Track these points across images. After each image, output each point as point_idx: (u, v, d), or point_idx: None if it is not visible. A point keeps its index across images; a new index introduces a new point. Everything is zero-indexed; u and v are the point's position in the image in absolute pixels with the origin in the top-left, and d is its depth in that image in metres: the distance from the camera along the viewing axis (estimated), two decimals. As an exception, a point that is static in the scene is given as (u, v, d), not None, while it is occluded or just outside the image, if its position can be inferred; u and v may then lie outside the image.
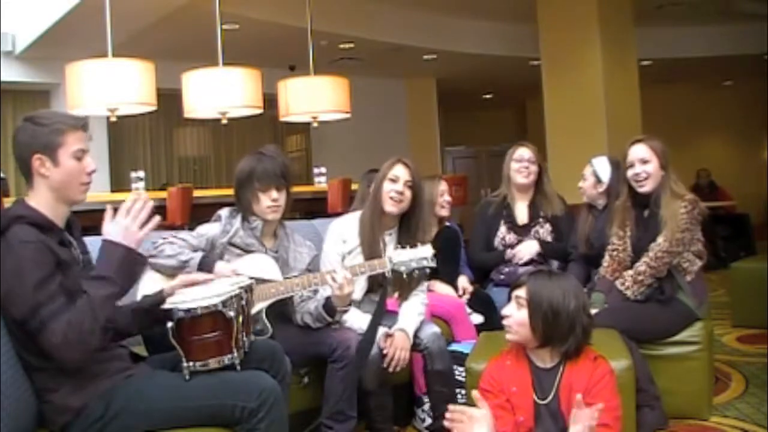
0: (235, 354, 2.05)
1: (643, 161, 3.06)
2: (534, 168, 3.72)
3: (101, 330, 1.85)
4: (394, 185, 2.91)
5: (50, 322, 1.80)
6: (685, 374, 2.99)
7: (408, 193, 2.92)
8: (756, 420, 2.99)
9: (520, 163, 3.72)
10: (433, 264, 2.62)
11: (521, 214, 3.76)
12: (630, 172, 3.10)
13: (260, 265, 2.68)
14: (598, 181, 3.56)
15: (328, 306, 2.65)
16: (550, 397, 2.13)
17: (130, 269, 1.96)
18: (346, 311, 2.71)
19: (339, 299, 2.61)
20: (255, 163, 2.73)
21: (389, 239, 2.96)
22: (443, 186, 3.81)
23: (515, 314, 2.14)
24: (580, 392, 2.09)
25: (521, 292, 2.15)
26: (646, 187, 3.06)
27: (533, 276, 2.18)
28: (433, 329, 2.92)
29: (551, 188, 3.81)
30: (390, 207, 2.91)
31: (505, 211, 3.78)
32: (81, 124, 2.00)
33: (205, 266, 2.57)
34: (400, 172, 2.92)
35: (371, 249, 2.85)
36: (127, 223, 1.94)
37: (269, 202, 2.69)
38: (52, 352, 1.82)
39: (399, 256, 2.61)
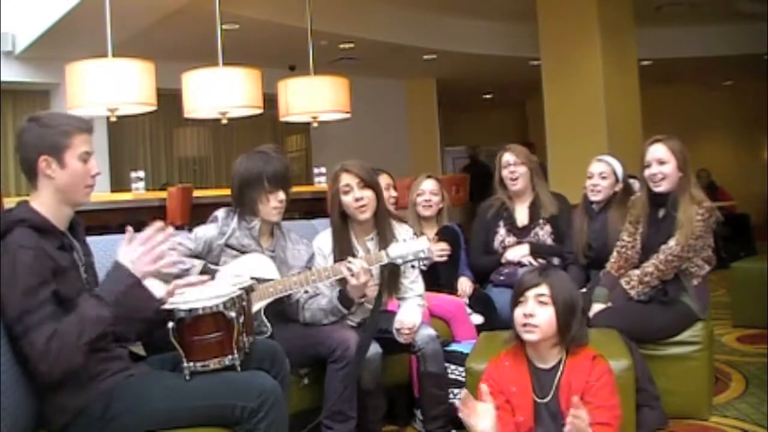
0: (236, 355, 2.05)
1: (660, 162, 3.01)
2: (521, 170, 3.67)
3: (83, 349, 1.83)
4: (351, 194, 2.81)
5: (33, 330, 1.79)
6: (685, 374, 2.99)
7: (368, 193, 2.82)
8: (756, 420, 2.99)
9: (507, 168, 3.70)
10: (430, 255, 2.61)
11: (521, 215, 3.74)
12: (647, 172, 3.06)
13: (257, 264, 2.68)
14: (616, 180, 3.51)
15: (344, 298, 2.64)
16: (549, 397, 2.14)
17: (132, 301, 1.92)
18: (362, 303, 2.71)
19: (356, 289, 2.61)
20: (263, 164, 2.71)
21: (372, 244, 2.91)
22: (425, 185, 3.76)
23: (541, 314, 2.13)
24: (579, 391, 2.10)
25: (542, 290, 2.14)
26: (661, 188, 3.02)
27: (543, 273, 2.19)
28: (428, 331, 2.87)
29: (544, 189, 3.76)
30: (362, 215, 2.83)
31: (505, 213, 3.75)
32: (87, 126, 2.02)
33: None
34: (348, 179, 2.82)
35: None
36: (139, 254, 1.91)
37: (276, 203, 2.71)
38: (30, 360, 1.81)
39: (395, 250, 2.61)
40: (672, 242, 2.95)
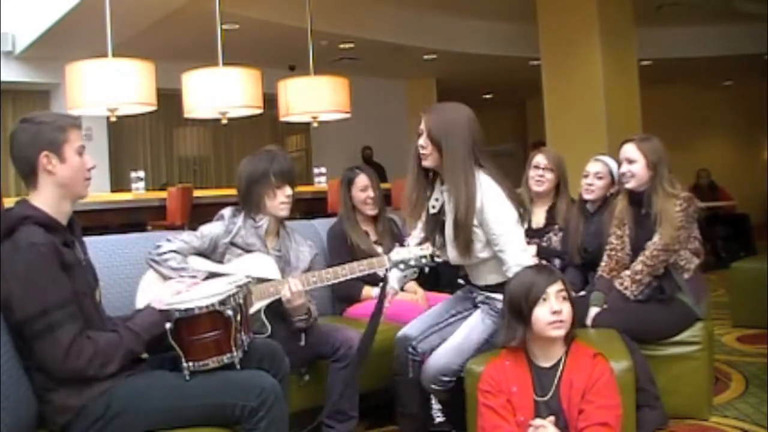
0: (235, 353, 2.05)
1: (629, 161, 3.08)
2: (550, 176, 3.61)
3: (111, 371, 1.92)
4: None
5: (58, 327, 1.82)
6: (685, 374, 2.99)
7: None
8: (756, 420, 2.99)
9: (536, 170, 3.64)
10: (432, 262, 2.61)
11: (538, 218, 3.70)
12: (619, 171, 3.16)
13: (259, 264, 2.68)
14: (612, 181, 3.50)
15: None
16: (549, 395, 2.14)
17: (160, 337, 2.05)
18: (303, 320, 2.67)
19: (293, 310, 2.61)
20: (269, 161, 2.76)
21: None
22: None
23: (565, 309, 2.14)
24: (581, 389, 2.09)
25: (560, 286, 2.16)
26: (630, 184, 3.09)
27: (554, 270, 2.22)
28: (443, 363, 2.61)
29: (565, 199, 3.67)
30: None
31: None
32: (78, 122, 2.05)
33: None
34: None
35: None
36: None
37: (283, 198, 2.74)
38: (51, 355, 1.83)
39: (398, 255, 2.61)
40: (656, 237, 2.98)
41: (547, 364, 2.19)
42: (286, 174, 2.76)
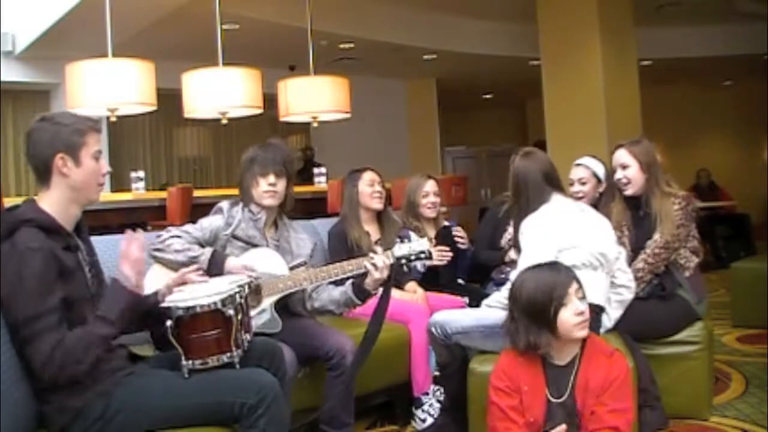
0: (234, 352, 2.05)
1: (623, 166, 3.11)
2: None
3: (88, 365, 1.88)
4: None
5: (38, 337, 1.81)
6: (685, 374, 2.99)
7: None
8: (756, 420, 2.99)
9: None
10: (430, 257, 2.66)
11: None
12: (615, 177, 3.16)
13: (267, 260, 2.70)
14: (599, 181, 3.52)
15: (360, 290, 2.69)
16: (565, 395, 2.10)
17: (132, 313, 2.00)
18: (376, 294, 2.74)
19: (375, 282, 2.65)
20: (258, 150, 2.83)
21: None
22: (429, 187, 3.75)
23: (586, 308, 2.13)
24: (597, 389, 2.04)
25: (577, 285, 2.14)
26: (628, 191, 3.12)
27: (568, 268, 2.20)
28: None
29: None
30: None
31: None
32: (98, 126, 2.05)
33: (216, 262, 2.58)
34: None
35: None
36: (127, 272, 1.98)
37: (266, 186, 2.75)
38: (33, 364, 1.84)
39: (400, 250, 2.63)
40: (656, 236, 3.01)
41: (562, 363, 2.14)
42: (269, 162, 2.76)
